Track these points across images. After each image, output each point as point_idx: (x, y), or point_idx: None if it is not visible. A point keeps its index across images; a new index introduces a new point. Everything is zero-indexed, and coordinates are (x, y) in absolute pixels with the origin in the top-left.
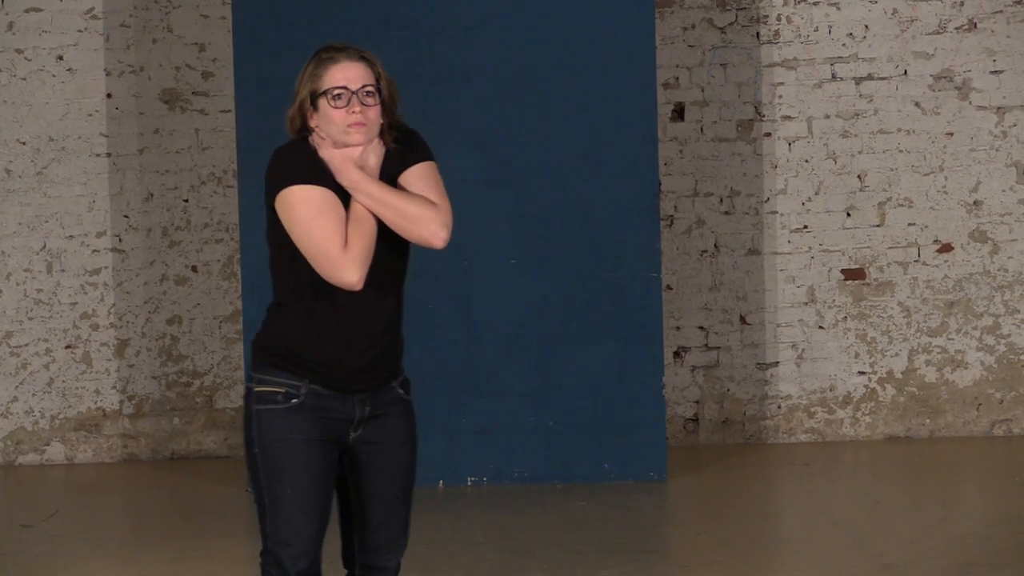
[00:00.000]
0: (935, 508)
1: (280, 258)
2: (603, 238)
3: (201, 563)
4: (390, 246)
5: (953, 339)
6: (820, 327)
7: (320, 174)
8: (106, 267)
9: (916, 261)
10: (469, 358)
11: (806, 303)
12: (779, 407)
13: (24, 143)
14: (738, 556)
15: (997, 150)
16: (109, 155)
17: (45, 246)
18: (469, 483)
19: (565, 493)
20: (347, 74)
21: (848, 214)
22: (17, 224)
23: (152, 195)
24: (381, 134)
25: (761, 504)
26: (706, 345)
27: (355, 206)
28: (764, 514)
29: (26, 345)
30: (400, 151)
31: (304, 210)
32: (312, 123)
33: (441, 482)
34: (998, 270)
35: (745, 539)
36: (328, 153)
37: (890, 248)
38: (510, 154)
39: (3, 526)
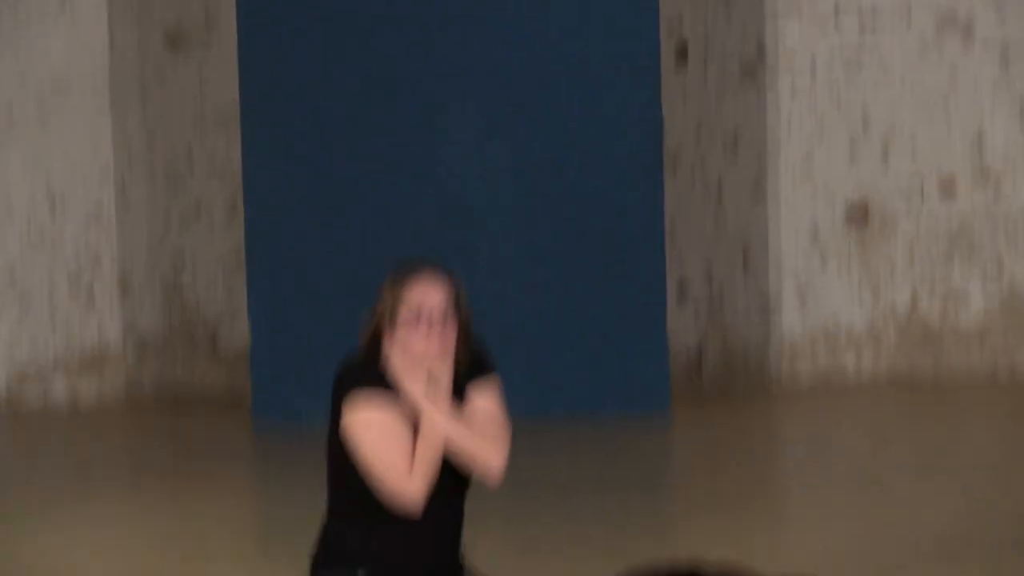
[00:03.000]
0: (938, 446)
1: (338, 472)
2: (606, 177)
3: (204, 500)
4: (453, 468)
5: (956, 277)
6: (823, 266)
7: (388, 395)
8: (110, 205)
9: (919, 199)
10: (473, 293)
11: (809, 242)
12: (782, 345)
13: (27, 84)
14: (740, 493)
15: (1001, 89)
16: (112, 96)
17: (49, 186)
18: None
19: (569, 425)
20: (427, 295)
21: (851, 153)
22: (22, 163)
23: (155, 136)
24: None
25: (763, 439)
26: (709, 284)
27: (423, 430)
28: (766, 448)
29: (30, 283)
30: (469, 361)
31: (372, 433)
32: (387, 338)
33: None
34: (1001, 209)
35: (747, 476)
36: (397, 373)
37: (893, 186)
38: (511, 101)
39: (7, 462)
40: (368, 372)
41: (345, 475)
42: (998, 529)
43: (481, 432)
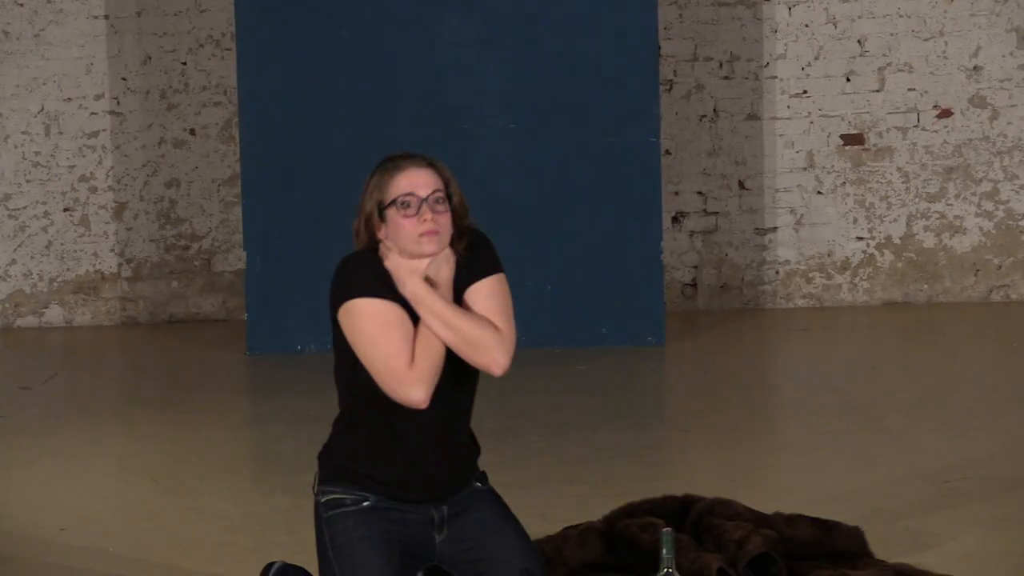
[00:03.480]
0: (932, 374)
1: (343, 369)
2: (602, 102)
3: (198, 425)
4: (459, 364)
5: (952, 205)
6: (819, 192)
7: (387, 287)
8: (104, 130)
9: (915, 127)
10: None
11: (805, 168)
12: (777, 272)
13: (22, 4)
14: (735, 420)
15: (997, 15)
16: (107, 17)
17: (43, 109)
18: None
19: (563, 357)
20: (415, 181)
21: (848, 79)
22: (15, 86)
23: (150, 58)
24: (452, 243)
25: (758, 369)
26: (704, 210)
27: (422, 316)
28: (761, 379)
29: (24, 208)
30: (468, 261)
31: (368, 324)
32: (380, 235)
33: None
34: (997, 136)
35: (742, 403)
36: (392, 263)
37: (889, 113)
38: (507, 16)
39: (2, 388)
40: (365, 264)
41: (350, 376)
42: (992, 464)
43: (483, 324)
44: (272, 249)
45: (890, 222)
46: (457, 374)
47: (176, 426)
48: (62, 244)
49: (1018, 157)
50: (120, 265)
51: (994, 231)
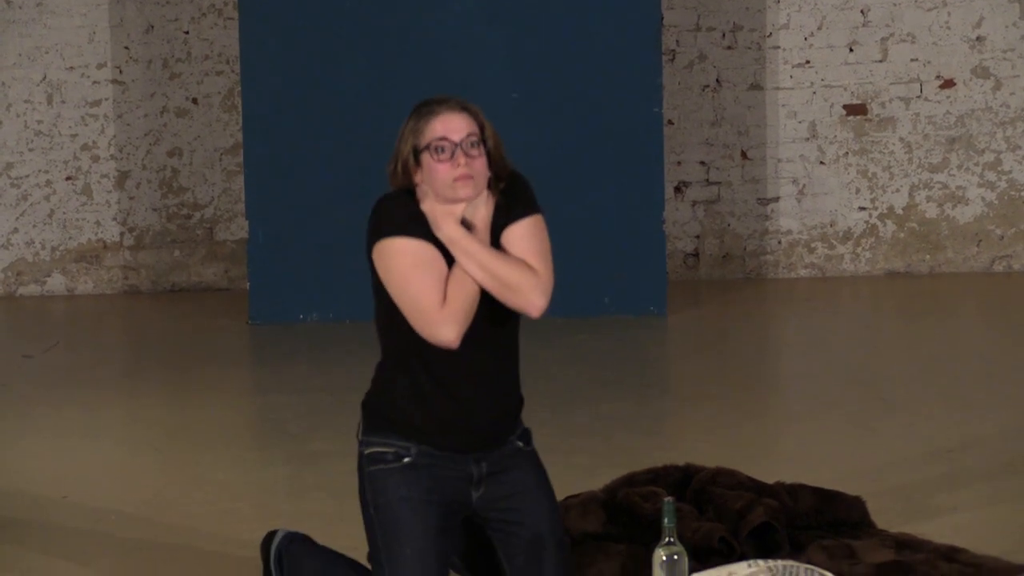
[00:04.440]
0: (934, 344)
1: (381, 314)
2: (604, 73)
3: (200, 394)
4: (497, 305)
5: (954, 175)
6: (821, 162)
7: (421, 227)
8: (106, 99)
9: (918, 97)
10: None
11: (807, 138)
12: (779, 242)
13: None
14: (737, 390)
15: None
16: None
17: (45, 77)
18: None
19: (565, 327)
20: (449, 126)
21: (850, 49)
22: (17, 55)
23: (152, 26)
24: (489, 186)
25: (760, 339)
26: (707, 180)
27: (456, 263)
28: (763, 349)
29: (27, 176)
30: (506, 203)
31: (401, 262)
32: (416, 179)
33: None
34: (1000, 106)
35: (744, 373)
36: (428, 206)
37: (892, 83)
38: None
39: (4, 357)
40: (400, 204)
41: (388, 320)
42: (994, 434)
43: (520, 266)
44: (274, 218)
45: (892, 192)
46: (496, 316)
47: (178, 395)
48: (64, 213)
49: (1021, 127)
50: (122, 234)
51: (996, 201)
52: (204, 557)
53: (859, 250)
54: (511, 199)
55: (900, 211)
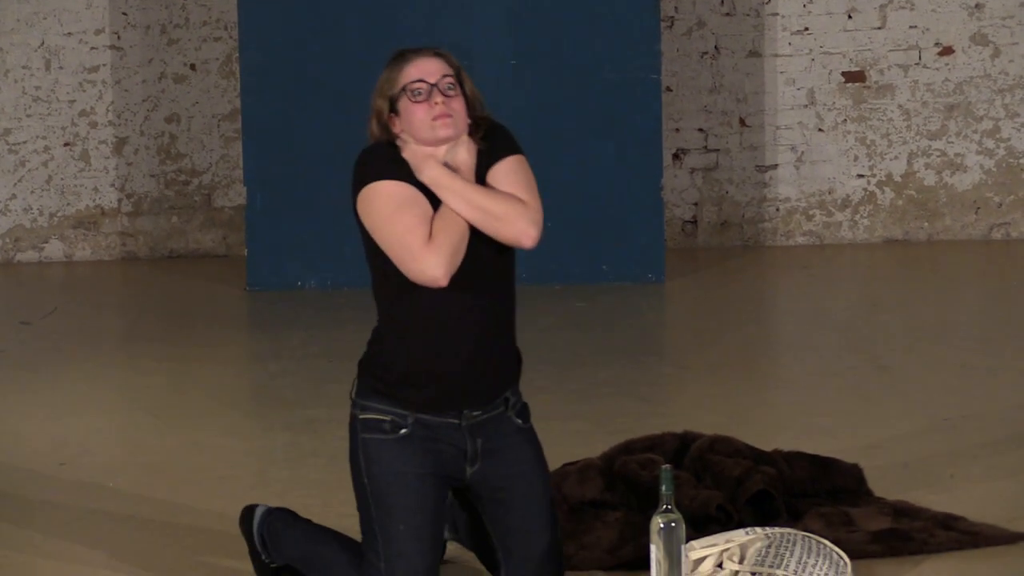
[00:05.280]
0: (932, 311)
1: (373, 269)
2: (603, 39)
3: (198, 361)
4: (488, 243)
5: (953, 142)
6: (820, 130)
7: (403, 172)
8: (104, 65)
9: (917, 64)
10: None
11: (806, 105)
12: (777, 210)
13: None
14: (735, 357)
15: None
16: None
17: (43, 43)
18: None
19: (563, 294)
20: (423, 68)
21: (849, 16)
22: (15, 21)
23: None
24: (470, 133)
25: (758, 306)
26: (705, 147)
27: (443, 204)
28: (761, 316)
29: (24, 142)
30: (488, 148)
31: (384, 205)
32: (396, 129)
33: None
34: (999, 73)
35: (742, 341)
36: (410, 152)
37: (891, 51)
38: None
39: (2, 323)
40: (380, 152)
41: (379, 274)
42: (992, 402)
43: (507, 198)
44: (272, 185)
45: (891, 160)
46: (487, 259)
47: (176, 362)
48: (62, 179)
49: (1019, 95)
50: (120, 200)
51: (995, 169)
52: (202, 523)
53: (857, 217)
54: (492, 144)
55: (898, 178)
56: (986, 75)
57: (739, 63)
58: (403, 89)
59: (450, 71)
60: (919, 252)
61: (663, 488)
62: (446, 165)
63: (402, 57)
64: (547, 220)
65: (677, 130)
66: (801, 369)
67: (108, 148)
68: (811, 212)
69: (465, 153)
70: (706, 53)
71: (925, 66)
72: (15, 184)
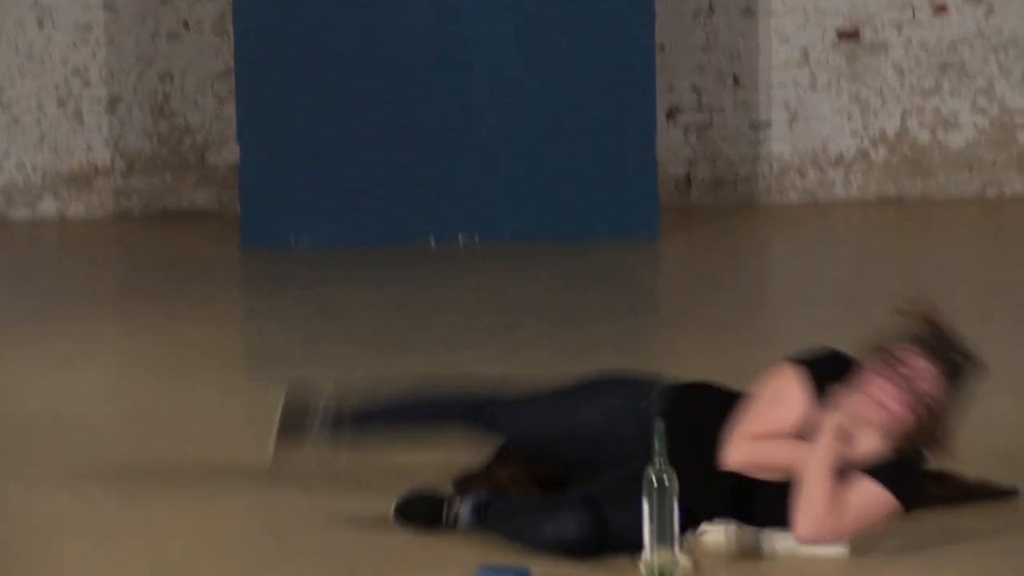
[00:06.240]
0: (925, 269)
1: None
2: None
3: (192, 319)
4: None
5: (946, 101)
6: (813, 88)
7: (821, 392)
8: (98, 23)
9: (911, 22)
10: (464, 115)
11: (799, 64)
12: (771, 167)
13: None
14: (728, 314)
15: None
16: None
17: (36, 2)
18: (461, 240)
19: (557, 251)
20: (921, 368)
21: None
22: None
23: None
24: (893, 440)
25: (751, 263)
26: (699, 106)
27: (812, 447)
28: (754, 273)
29: (17, 100)
30: (884, 464)
31: (773, 382)
32: (866, 365)
33: (432, 238)
34: (993, 31)
35: (735, 298)
36: (848, 398)
37: (885, 9)
38: None
39: None
40: (835, 360)
41: None
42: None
43: (826, 496)
44: (266, 143)
45: (884, 118)
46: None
47: (170, 319)
48: (55, 137)
49: (1013, 53)
50: (113, 158)
51: (988, 127)
52: (195, 480)
53: (851, 175)
54: (892, 467)
55: (892, 137)
56: (980, 33)
57: (733, 21)
58: (888, 353)
59: (939, 388)
60: (912, 210)
61: (656, 444)
62: (841, 431)
63: (927, 343)
64: (542, 178)
65: (671, 88)
66: (793, 325)
67: (101, 106)
68: (805, 170)
69: (865, 446)
70: (700, 11)
71: (919, 24)
72: (8, 142)
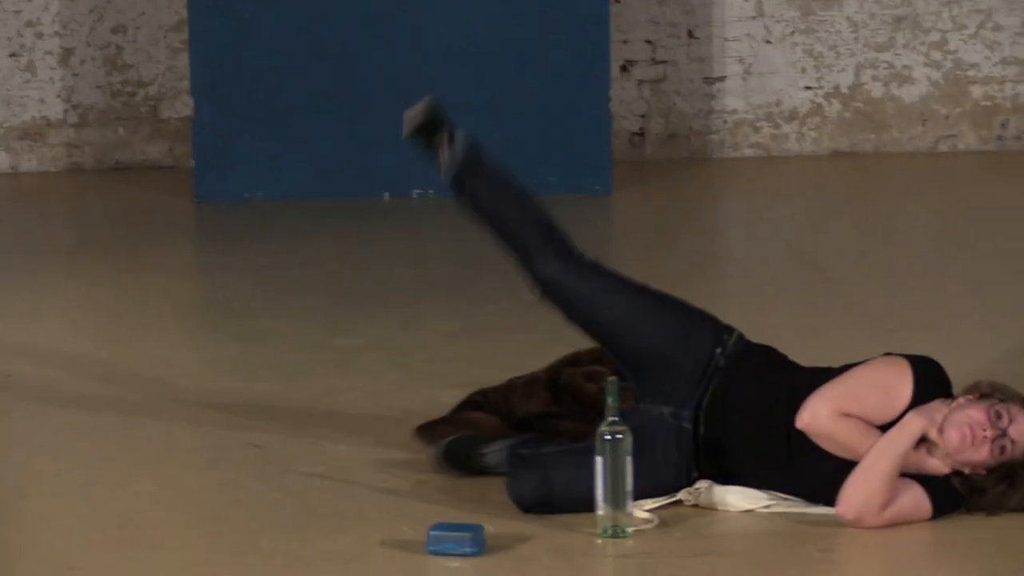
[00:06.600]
0: (879, 223)
1: None
2: None
3: (147, 272)
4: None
5: (900, 54)
6: (767, 41)
7: (925, 390)
8: None
9: None
10: (417, 69)
11: (754, 17)
12: (725, 121)
13: None
14: (681, 268)
15: None
16: None
17: None
18: (415, 195)
19: None
20: (1022, 427)
21: None
22: None
23: None
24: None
25: (705, 217)
26: (653, 59)
27: (890, 433)
28: (708, 227)
29: None
30: (937, 480)
31: (881, 367)
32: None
33: (387, 193)
34: None
35: (689, 252)
36: (942, 409)
37: None
38: None
39: None
40: (937, 377)
41: None
42: (935, 310)
43: (888, 484)
44: (220, 96)
45: (838, 72)
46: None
47: (124, 273)
48: (8, 90)
49: (967, 7)
50: (66, 111)
51: (942, 81)
52: (151, 436)
53: (804, 129)
54: (943, 484)
55: (846, 90)
56: None
57: None
58: (998, 400)
59: (1018, 455)
60: (866, 164)
61: (609, 400)
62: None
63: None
64: (495, 132)
65: (625, 42)
66: (747, 279)
67: (54, 59)
68: (758, 124)
69: (935, 464)
70: None
71: None
72: None
